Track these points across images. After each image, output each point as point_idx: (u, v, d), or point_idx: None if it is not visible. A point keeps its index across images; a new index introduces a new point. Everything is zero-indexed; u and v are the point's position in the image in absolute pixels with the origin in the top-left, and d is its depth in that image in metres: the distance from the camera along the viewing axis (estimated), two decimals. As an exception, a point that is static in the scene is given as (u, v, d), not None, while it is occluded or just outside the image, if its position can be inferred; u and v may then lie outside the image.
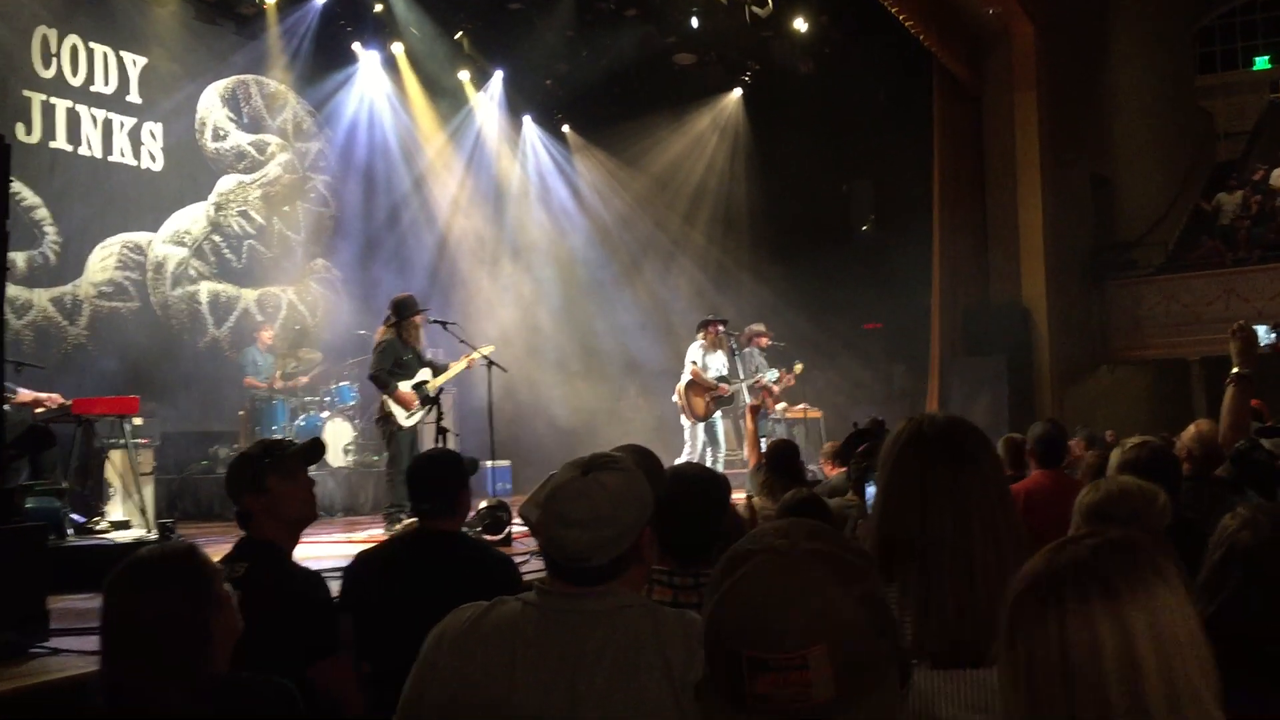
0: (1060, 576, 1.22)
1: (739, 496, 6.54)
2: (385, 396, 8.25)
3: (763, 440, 9.61)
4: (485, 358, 8.32)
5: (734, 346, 11.04)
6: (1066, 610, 1.19)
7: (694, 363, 10.64)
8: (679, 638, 1.87)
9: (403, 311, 8.41)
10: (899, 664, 1.20)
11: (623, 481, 1.95)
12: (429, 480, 3.66)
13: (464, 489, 3.73)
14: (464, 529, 7.77)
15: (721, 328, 10.92)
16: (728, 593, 1.15)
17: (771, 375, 11.36)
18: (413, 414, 8.29)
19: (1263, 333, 3.97)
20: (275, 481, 3.16)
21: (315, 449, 3.45)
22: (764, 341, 11.64)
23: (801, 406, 12.98)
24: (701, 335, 10.85)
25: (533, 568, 6.08)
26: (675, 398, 10.83)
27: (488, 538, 7.35)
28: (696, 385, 10.59)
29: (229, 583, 2.90)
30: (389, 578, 3.44)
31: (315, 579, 3.18)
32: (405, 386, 8.25)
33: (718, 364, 10.76)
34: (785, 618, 1.10)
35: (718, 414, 10.79)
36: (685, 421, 10.74)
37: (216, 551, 2.48)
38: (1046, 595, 1.21)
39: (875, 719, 1.13)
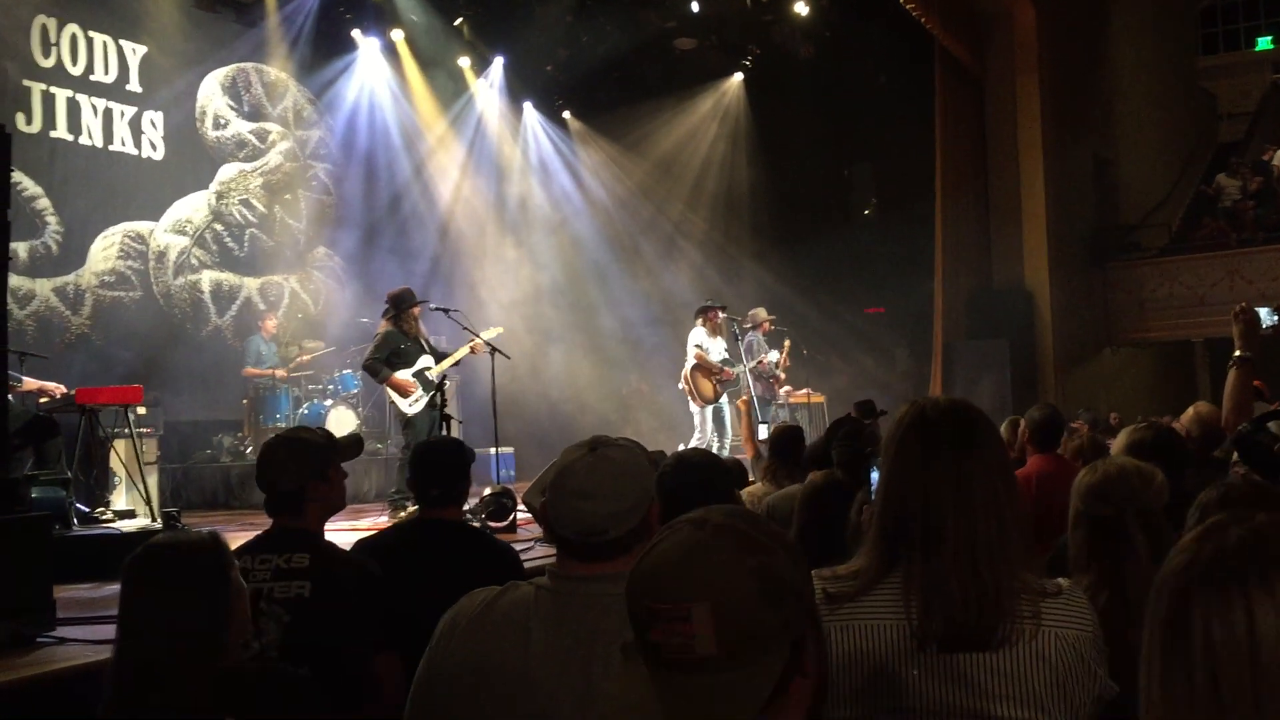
0: (1238, 560, 1.19)
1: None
2: (384, 385, 8.33)
3: (763, 426, 9.63)
4: (488, 344, 8.34)
5: (737, 332, 11.04)
6: (1252, 596, 1.16)
7: (698, 346, 10.63)
8: None
9: (399, 304, 8.47)
10: (801, 646, 1.23)
11: (628, 456, 2.00)
12: (436, 467, 3.65)
13: (466, 477, 3.74)
14: (469, 516, 7.82)
15: (721, 313, 10.92)
16: (644, 555, 1.27)
17: (774, 355, 11.37)
18: (414, 401, 8.32)
19: (1265, 315, 3.95)
20: (334, 472, 3.18)
21: (358, 444, 3.56)
22: (767, 326, 11.65)
23: (805, 391, 12.98)
24: (701, 321, 10.83)
25: (538, 554, 6.10)
26: (681, 384, 10.82)
27: (493, 525, 7.37)
28: (702, 369, 10.58)
29: (288, 575, 2.89)
30: (389, 567, 3.44)
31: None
32: (404, 374, 8.29)
33: (718, 349, 10.75)
34: (676, 574, 1.21)
35: (725, 399, 10.78)
36: (694, 407, 10.73)
37: (233, 539, 2.47)
38: (1228, 580, 1.18)
39: (754, 685, 1.19)
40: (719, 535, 1.24)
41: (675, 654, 1.19)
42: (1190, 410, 4.55)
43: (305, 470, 3.13)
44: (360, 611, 2.92)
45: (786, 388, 12.48)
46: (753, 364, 10.94)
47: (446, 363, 8.50)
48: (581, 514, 1.92)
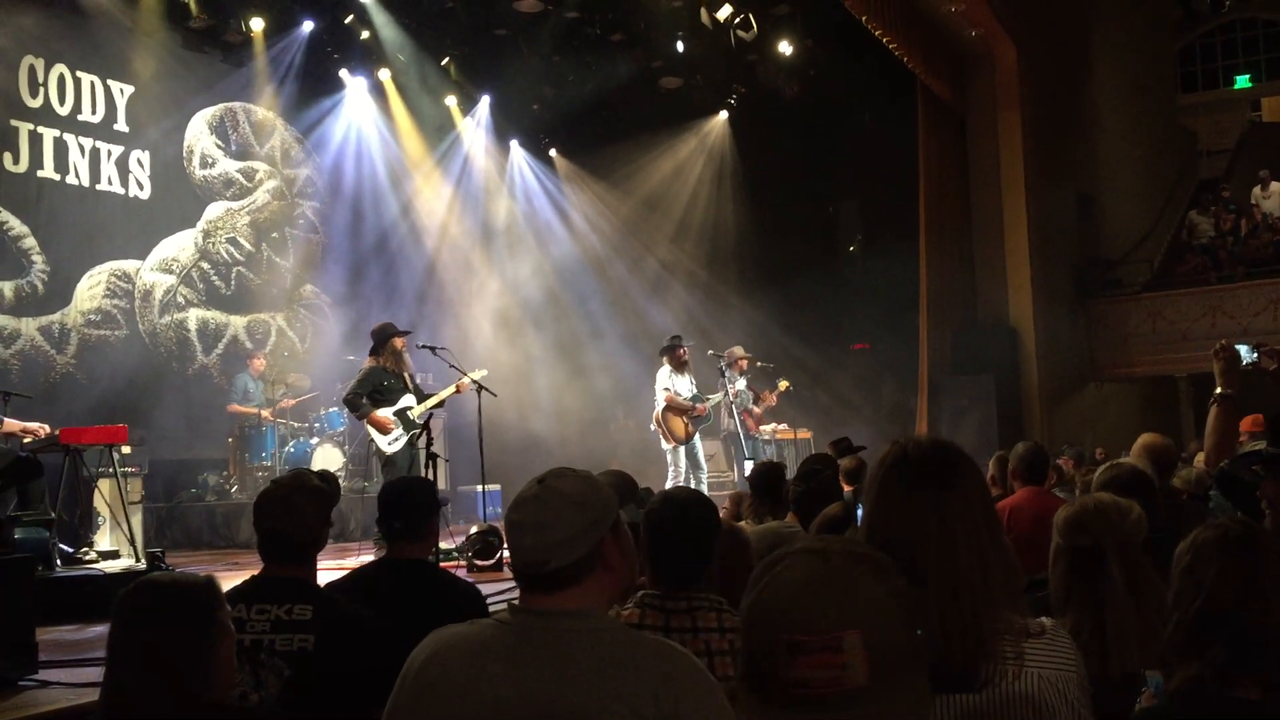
0: None
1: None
2: (364, 422, 8.30)
3: (749, 462, 9.61)
4: (475, 383, 8.32)
5: (721, 368, 11.02)
6: None
7: (666, 389, 10.58)
8: (652, 665, 1.85)
9: (381, 337, 8.45)
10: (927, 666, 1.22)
11: (574, 487, 1.97)
12: (400, 502, 3.63)
13: (433, 516, 3.70)
14: (455, 554, 7.79)
15: (684, 350, 10.86)
16: (766, 585, 1.22)
17: (740, 384, 11.34)
18: (394, 439, 8.27)
19: (1244, 351, 3.98)
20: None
21: (336, 482, 3.56)
22: (743, 365, 11.59)
23: (787, 427, 13.01)
24: (667, 359, 10.79)
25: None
26: (653, 426, 10.76)
27: (479, 563, 7.35)
28: (673, 408, 10.53)
29: (289, 627, 2.84)
30: None
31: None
32: (385, 412, 8.25)
33: (686, 386, 10.72)
34: (821, 602, 1.17)
35: (698, 436, 10.74)
36: (666, 447, 10.66)
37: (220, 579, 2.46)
38: None
39: (908, 711, 1.17)
40: (853, 563, 1.21)
41: (823, 688, 1.14)
42: (1137, 444, 4.60)
43: (322, 519, 3.09)
44: (367, 668, 2.85)
45: (772, 424, 12.46)
46: (719, 397, 10.87)
47: (429, 403, 8.47)
48: (520, 546, 1.93)
